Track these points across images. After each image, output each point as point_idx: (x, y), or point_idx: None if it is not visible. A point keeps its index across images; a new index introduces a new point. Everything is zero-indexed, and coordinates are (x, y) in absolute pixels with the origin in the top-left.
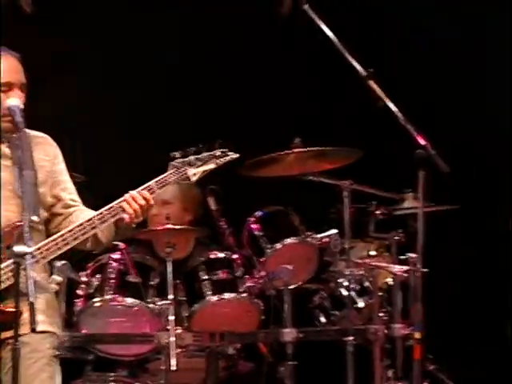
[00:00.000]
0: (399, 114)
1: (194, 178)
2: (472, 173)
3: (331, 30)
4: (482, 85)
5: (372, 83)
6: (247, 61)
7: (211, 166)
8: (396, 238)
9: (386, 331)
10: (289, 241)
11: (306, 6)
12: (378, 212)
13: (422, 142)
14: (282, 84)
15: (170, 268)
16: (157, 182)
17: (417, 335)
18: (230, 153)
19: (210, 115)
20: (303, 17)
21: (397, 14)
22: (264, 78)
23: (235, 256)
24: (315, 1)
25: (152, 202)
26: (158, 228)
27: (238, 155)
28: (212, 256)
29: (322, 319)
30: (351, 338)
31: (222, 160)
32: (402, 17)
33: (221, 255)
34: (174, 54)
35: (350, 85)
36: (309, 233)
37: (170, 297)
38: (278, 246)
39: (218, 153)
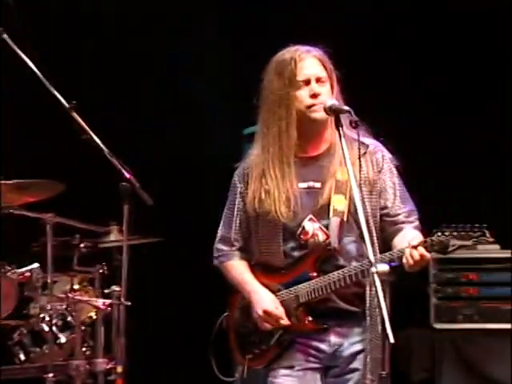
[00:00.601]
0: (104, 147)
1: None
2: (178, 206)
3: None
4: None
5: (76, 115)
6: None
7: None
8: (100, 271)
9: (88, 366)
10: None
11: (6, 36)
12: (82, 245)
13: (126, 175)
14: None
15: None
16: None
17: (119, 369)
18: None
19: None
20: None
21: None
22: None
23: None
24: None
25: None
26: None
27: None
28: None
29: (22, 356)
30: (51, 374)
31: None
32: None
33: None
34: None
35: (56, 117)
36: (8, 267)
37: None
38: None
39: None
